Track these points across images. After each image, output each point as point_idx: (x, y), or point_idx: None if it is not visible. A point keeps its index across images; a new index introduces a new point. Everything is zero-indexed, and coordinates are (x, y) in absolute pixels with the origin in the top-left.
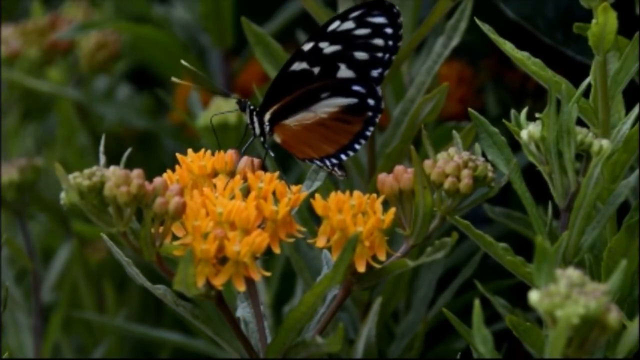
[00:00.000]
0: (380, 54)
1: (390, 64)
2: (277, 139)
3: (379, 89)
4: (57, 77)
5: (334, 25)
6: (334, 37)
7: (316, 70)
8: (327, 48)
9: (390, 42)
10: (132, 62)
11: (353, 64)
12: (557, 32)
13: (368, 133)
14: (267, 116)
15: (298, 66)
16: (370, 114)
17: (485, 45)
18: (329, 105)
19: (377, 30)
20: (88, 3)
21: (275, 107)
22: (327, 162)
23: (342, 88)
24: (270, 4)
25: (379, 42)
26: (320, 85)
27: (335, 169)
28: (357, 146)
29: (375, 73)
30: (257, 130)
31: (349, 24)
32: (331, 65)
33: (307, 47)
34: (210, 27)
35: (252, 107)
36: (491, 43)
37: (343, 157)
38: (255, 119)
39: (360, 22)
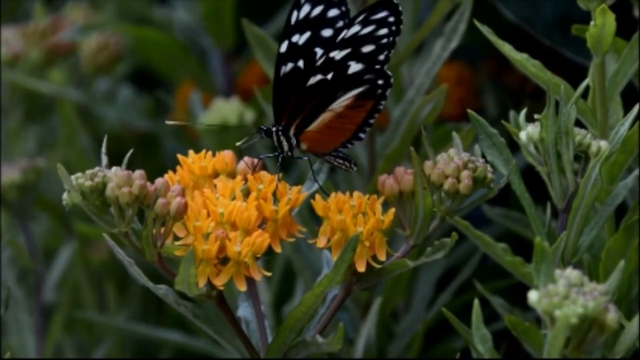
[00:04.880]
0: (385, 40)
1: (394, 45)
2: (303, 146)
3: (385, 68)
4: (58, 78)
5: (342, 35)
6: (343, 44)
7: (330, 76)
8: (338, 54)
9: (394, 27)
10: (133, 63)
11: (361, 57)
12: (555, 34)
13: (380, 107)
14: (292, 131)
15: (314, 79)
16: (380, 91)
17: (484, 47)
18: (344, 99)
19: (381, 22)
20: (89, 5)
21: (297, 121)
22: (348, 145)
23: (354, 82)
24: (271, 5)
25: (383, 31)
26: (335, 87)
27: (352, 165)
28: (371, 121)
29: (381, 57)
30: (286, 148)
31: (355, 28)
32: (342, 66)
33: (320, 61)
34: (210, 28)
35: (275, 129)
36: (490, 45)
37: (361, 135)
38: (282, 138)
39: (365, 23)
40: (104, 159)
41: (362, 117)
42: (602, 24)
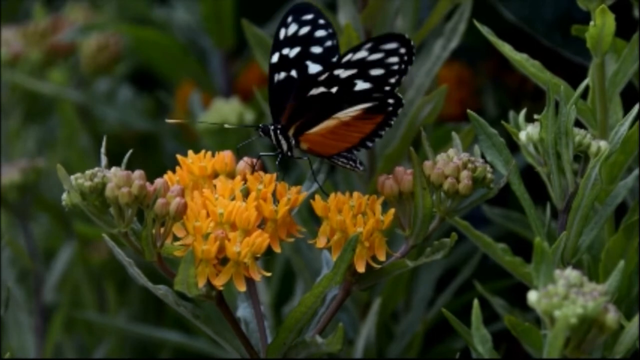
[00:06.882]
0: (395, 67)
1: (406, 71)
2: (303, 147)
3: (396, 91)
4: (58, 79)
5: (347, 57)
6: (348, 65)
7: (334, 89)
8: (343, 73)
9: (405, 57)
10: (133, 64)
11: (369, 78)
12: (555, 34)
13: (391, 122)
14: (291, 131)
15: (316, 91)
16: (390, 108)
17: (484, 47)
18: (352, 111)
19: (391, 52)
20: (89, 5)
21: (297, 124)
22: (353, 151)
23: (362, 97)
24: (271, 5)
25: (393, 59)
26: (340, 100)
27: (358, 165)
28: (381, 132)
29: (392, 80)
30: (285, 147)
31: (362, 54)
32: (348, 83)
33: (323, 77)
34: (211, 28)
35: (273, 127)
36: (490, 45)
37: (369, 144)
38: (280, 137)
39: (373, 50)
40: (104, 159)
41: (370, 129)
42: (602, 24)
